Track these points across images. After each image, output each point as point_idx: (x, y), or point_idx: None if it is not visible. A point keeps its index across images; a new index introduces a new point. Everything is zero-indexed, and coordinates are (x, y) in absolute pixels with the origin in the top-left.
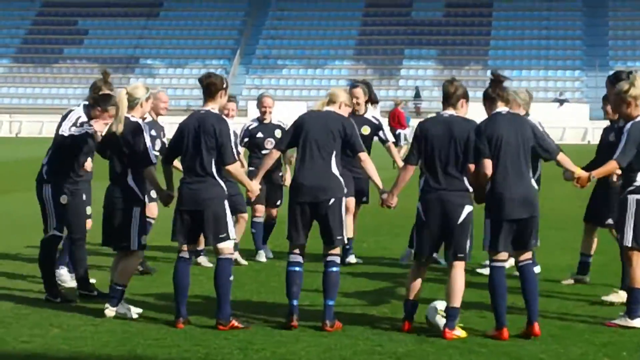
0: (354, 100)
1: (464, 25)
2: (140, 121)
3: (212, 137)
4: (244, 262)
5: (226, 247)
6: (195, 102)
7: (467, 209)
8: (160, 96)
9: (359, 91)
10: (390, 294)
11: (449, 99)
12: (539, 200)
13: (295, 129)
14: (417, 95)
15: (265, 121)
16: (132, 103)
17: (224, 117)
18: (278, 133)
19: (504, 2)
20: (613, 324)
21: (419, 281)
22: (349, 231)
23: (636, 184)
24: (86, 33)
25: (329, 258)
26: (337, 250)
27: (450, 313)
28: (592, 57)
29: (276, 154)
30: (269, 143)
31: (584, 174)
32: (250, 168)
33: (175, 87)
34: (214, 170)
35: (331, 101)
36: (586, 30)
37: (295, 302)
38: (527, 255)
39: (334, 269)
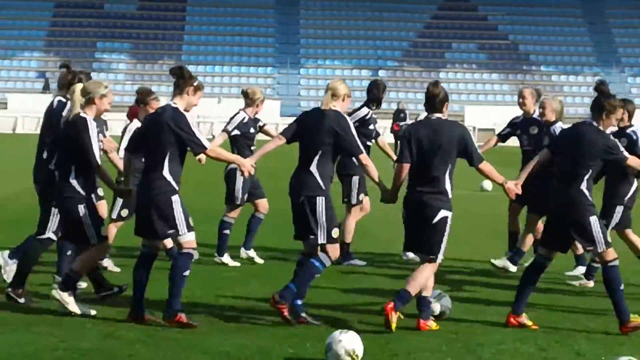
0: None
1: (157, 19)
2: (88, 118)
3: (169, 131)
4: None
5: (184, 241)
6: None
7: (443, 212)
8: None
9: None
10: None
11: (434, 103)
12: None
13: (297, 125)
14: None
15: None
16: (86, 99)
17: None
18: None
19: None
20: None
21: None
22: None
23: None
24: None
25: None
26: (328, 250)
27: (420, 303)
28: (284, 55)
29: (281, 141)
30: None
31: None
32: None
33: None
34: (165, 166)
35: (334, 95)
36: (279, 28)
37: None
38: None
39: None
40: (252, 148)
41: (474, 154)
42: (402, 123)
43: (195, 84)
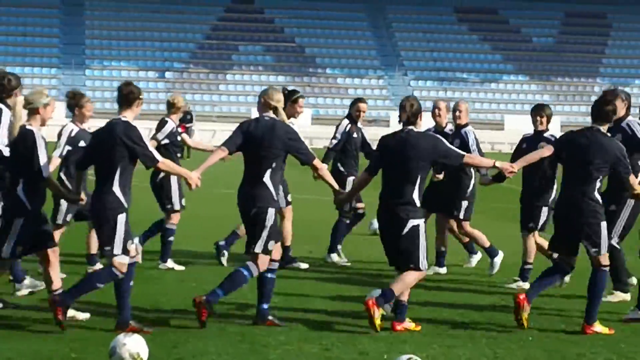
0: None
1: None
2: (35, 130)
3: (122, 145)
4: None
5: (117, 262)
6: None
7: (412, 222)
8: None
9: None
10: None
11: (408, 116)
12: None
13: (242, 136)
14: None
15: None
16: (30, 110)
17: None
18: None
19: None
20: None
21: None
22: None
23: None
24: None
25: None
26: (259, 259)
27: (397, 306)
28: (69, 55)
29: (224, 153)
30: None
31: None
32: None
33: None
34: (115, 180)
35: (266, 104)
36: (63, 28)
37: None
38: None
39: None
40: (178, 155)
41: (452, 157)
42: (188, 125)
43: (141, 96)
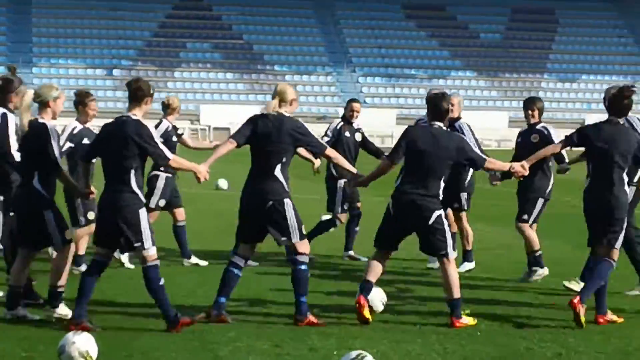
0: None
1: None
2: (48, 124)
3: (134, 144)
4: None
5: (148, 255)
6: None
7: (437, 212)
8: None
9: None
10: None
11: (440, 114)
12: None
13: (250, 130)
14: None
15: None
16: (40, 103)
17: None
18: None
19: None
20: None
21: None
22: None
23: None
24: None
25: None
26: (300, 247)
27: (451, 305)
28: (16, 54)
29: (232, 145)
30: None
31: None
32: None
33: None
34: (132, 178)
35: (282, 100)
36: (10, 27)
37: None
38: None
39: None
40: None
41: (475, 161)
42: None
43: (151, 92)
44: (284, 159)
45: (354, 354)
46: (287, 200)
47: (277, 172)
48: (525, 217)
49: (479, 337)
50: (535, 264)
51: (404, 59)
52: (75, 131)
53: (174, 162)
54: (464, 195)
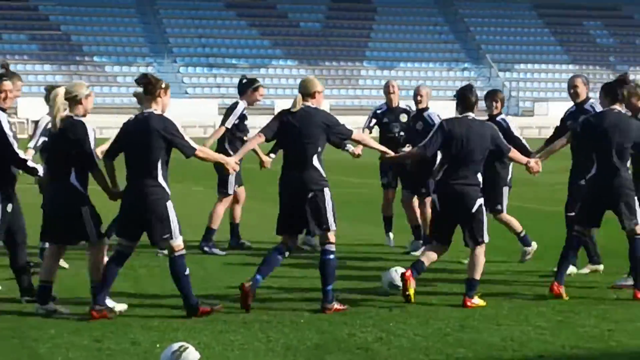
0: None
1: None
2: (84, 121)
3: (160, 138)
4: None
5: (175, 245)
6: None
7: (479, 200)
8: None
9: None
10: None
11: (471, 105)
12: None
13: (279, 124)
14: None
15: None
16: (72, 100)
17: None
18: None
19: None
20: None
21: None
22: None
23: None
24: None
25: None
26: (329, 238)
27: (468, 283)
28: None
29: (261, 139)
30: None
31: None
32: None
33: None
34: (158, 171)
35: (305, 94)
36: None
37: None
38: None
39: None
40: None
41: (502, 148)
42: None
43: (163, 85)
44: (319, 149)
45: (175, 346)
46: (326, 190)
47: (315, 161)
48: (499, 207)
49: (302, 325)
50: (523, 242)
51: (225, 48)
52: (49, 126)
53: (200, 152)
54: (431, 182)
